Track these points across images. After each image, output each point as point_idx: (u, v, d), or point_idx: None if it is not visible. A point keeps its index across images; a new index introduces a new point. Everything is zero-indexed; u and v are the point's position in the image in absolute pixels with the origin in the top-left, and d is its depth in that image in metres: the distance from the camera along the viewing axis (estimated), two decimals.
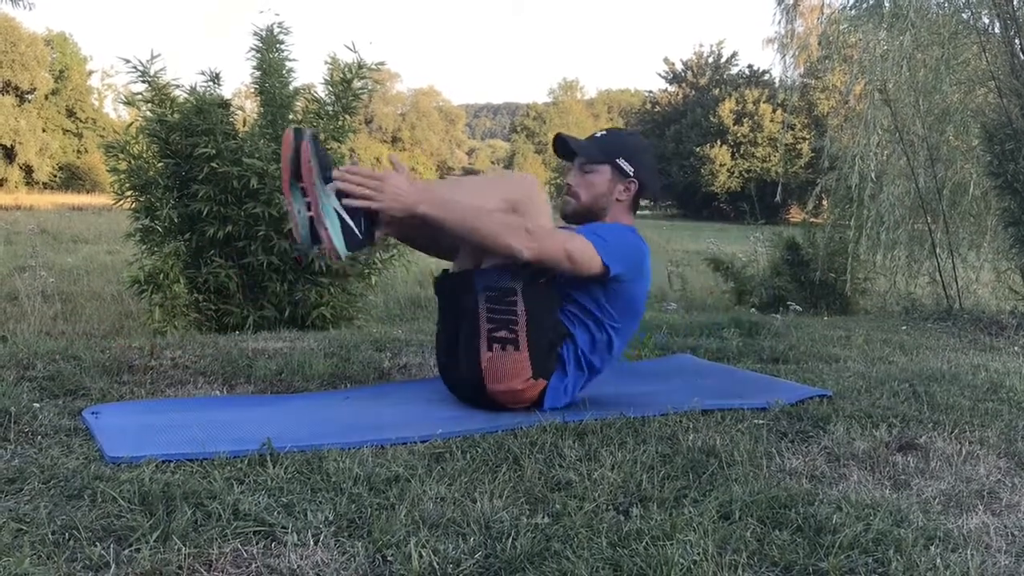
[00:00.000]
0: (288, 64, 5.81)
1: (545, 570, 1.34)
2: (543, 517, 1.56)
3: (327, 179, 2.05)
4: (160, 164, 5.44)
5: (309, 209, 2.06)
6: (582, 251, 2.29)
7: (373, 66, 5.94)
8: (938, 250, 6.62)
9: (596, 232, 2.37)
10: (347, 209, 2.06)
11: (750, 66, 47.98)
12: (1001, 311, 5.71)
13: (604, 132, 2.62)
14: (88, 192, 34.50)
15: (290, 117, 5.76)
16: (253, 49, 5.73)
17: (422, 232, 2.39)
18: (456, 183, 2.24)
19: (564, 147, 2.58)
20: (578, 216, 2.55)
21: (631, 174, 2.52)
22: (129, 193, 5.46)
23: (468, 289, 2.31)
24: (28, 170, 38.77)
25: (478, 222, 2.18)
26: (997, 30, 6.09)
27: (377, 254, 6.02)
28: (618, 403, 2.43)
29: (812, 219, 8.99)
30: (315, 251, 2.11)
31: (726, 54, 50.58)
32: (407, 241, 2.58)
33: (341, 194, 2.06)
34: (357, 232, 2.08)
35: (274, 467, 1.76)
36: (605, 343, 2.44)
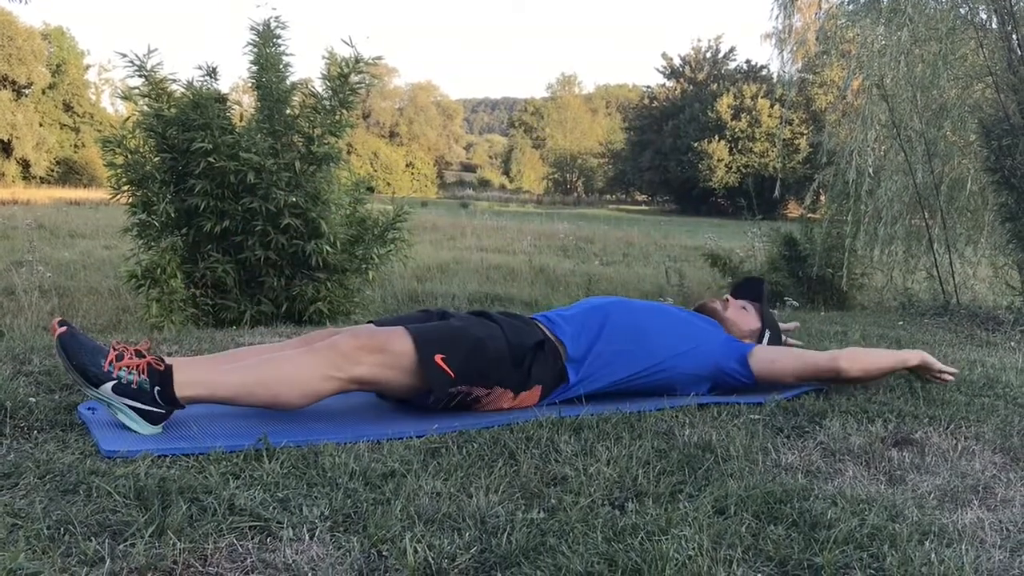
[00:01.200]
0: (285, 59, 5.80)
1: (540, 565, 1.34)
2: (539, 512, 1.57)
3: (94, 380, 1.92)
4: (157, 159, 5.44)
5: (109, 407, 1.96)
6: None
7: (370, 60, 5.93)
8: (935, 245, 6.62)
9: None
10: (131, 394, 1.94)
11: (748, 61, 48.05)
12: (998, 306, 5.72)
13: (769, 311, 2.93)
14: (85, 187, 34.46)
15: (287, 111, 5.75)
16: (250, 44, 5.72)
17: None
18: None
19: (757, 293, 2.94)
20: (709, 312, 2.81)
21: (761, 342, 2.81)
22: (126, 188, 5.45)
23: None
24: (25, 164, 38.74)
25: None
26: (995, 25, 6.09)
27: (375, 249, 6.02)
28: (614, 398, 2.43)
29: (810, 214, 8.99)
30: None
31: (724, 49, 50.67)
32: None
33: (119, 386, 1.93)
34: (156, 409, 1.96)
35: (270, 462, 1.76)
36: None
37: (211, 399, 2.03)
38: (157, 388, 1.96)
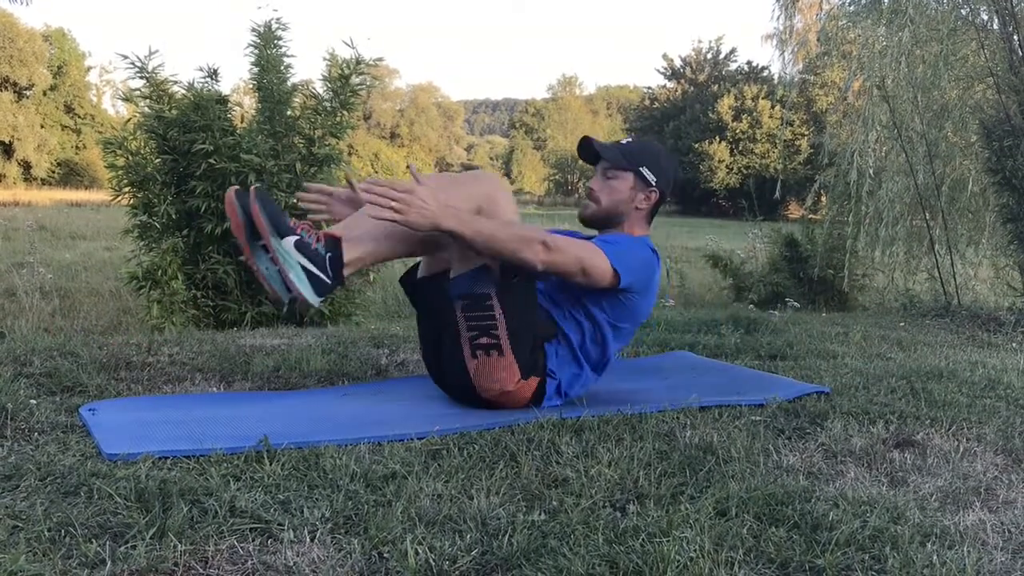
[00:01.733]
0: (286, 60, 5.79)
1: (541, 567, 1.34)
2: (540, 514, 1.56)
3: (282, 232, 2.02)
4: (158, 160, 5.43)
5: (275, 263, 2.03)
6: (595, 263, 2.29)
7: (371, 62, 5.93)
8: (936, 246, 6.61)
9: (610, 243, 2.37)
10: (309, 255, 2.04)
11: (749, 62, 47.97)
12: (999, 307, 5.71)
13: (630, 140, 2.62)
14: (86, 188, 34.47)
15: (288, 113, 5.75)
16: (251, 45, 5.72)
17: (399, 249, 2.32)
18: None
19: (588, 150, 2.56)
20: (596, 220, 2.56)
21: (653, 184, 2.53)
22: (127, 189, 5.45)
23: (443, 298, 2.30)
24: (26, 166, 38.74)
25: (497, 238, 2.16)
26: (996, 26, 6.08)
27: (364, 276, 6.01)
28: (615, 400, 2.43)
29: (811, 215, 8.98)
30: (291, 302, 2.07)
31: (725, 50, 50.56)
32: (376, 262, 2.48)
33: (301, 243, 2.03)
34: (325, 278, 2.06)
35: (271, 464, 1.76)
36: (599, 345, 2.45)
37: (373, 260, 2.23)
38: (330, 255, 2.06)
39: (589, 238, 2.46)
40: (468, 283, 2.25)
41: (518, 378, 2.30)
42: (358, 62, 5.84)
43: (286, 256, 2.01)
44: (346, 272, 2.13)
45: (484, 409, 2.33)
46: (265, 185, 5.33)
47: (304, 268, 2.03)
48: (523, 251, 2.18)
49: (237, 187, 2.06)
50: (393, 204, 2.04)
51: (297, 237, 2.03)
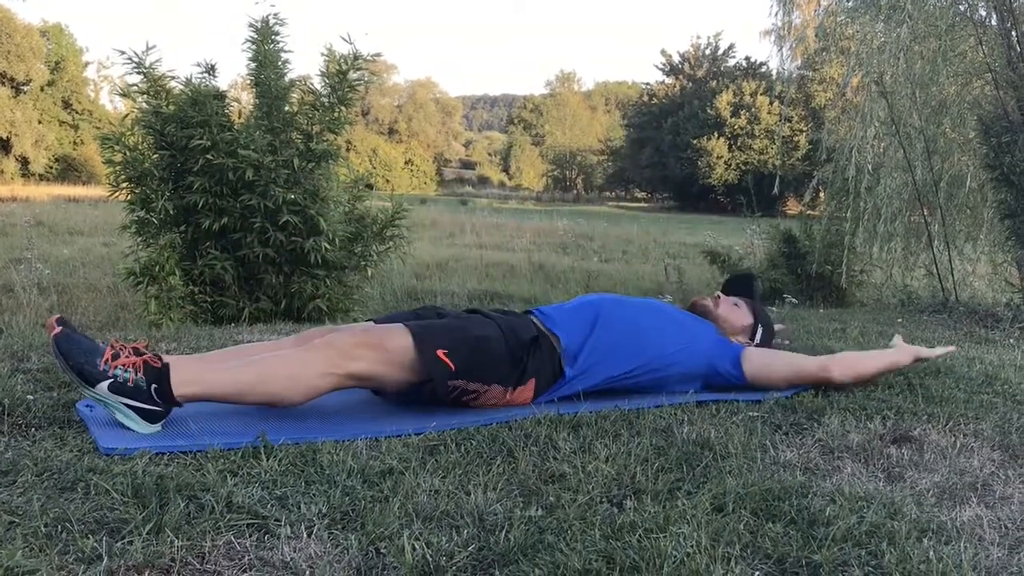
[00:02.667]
0: (283, 55, 5.79)
1: (538, 562, 1.34)
2: (537, 509, 1.56)
3: (91, 380, 1.91)
4: (155, 156, 5.43)
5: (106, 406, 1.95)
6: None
7: (369, 57, 5.92)
8: (934, 242, 6.61)
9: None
10: (128, 392, 1.93)
11: (747, 58, 48.02)
12: (997, 303, 5.72)
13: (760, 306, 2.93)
14: (84, 184, 34.44)
15: (286, 108, 5.74)
16: (248, 40, 5.71)
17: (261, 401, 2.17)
18: None
19: (747, 286, 2.97)
20: (698, 310, 2.79)
21: (754, 342, 2.80)
22: (125, 185, 5.45)
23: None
24: (24, 162, 38.70)
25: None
26: (994, 22, 6.08)
27: (374, 246, 6.02)
28: (613, 395, 2.43)
29: (809, 211, 8.99)
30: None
31: (723, 46, 50.66)
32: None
33: (115, 386, 1.92)
34: (154, 407, 1.95)
35: (268, 460, 1.76)
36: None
37: (209, 397, 2.02)
38: (154, 386, 1.95)
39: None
40: (432, 389, 2.21)
41: (509, 391, 2.30)
42: (356, 58, 5.84)
43: (106, 401, 1.93)
44: (183, 392, 1.97)
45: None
46: (264, 181, 5.32)
47: (128, 406, 1.94)
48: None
49: (55, 330, 1.93)
50: None
51: (110, 380, 1.92)
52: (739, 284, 3.00)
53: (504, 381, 2.27)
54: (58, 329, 1.92)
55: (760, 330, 2.83)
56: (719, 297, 2.86)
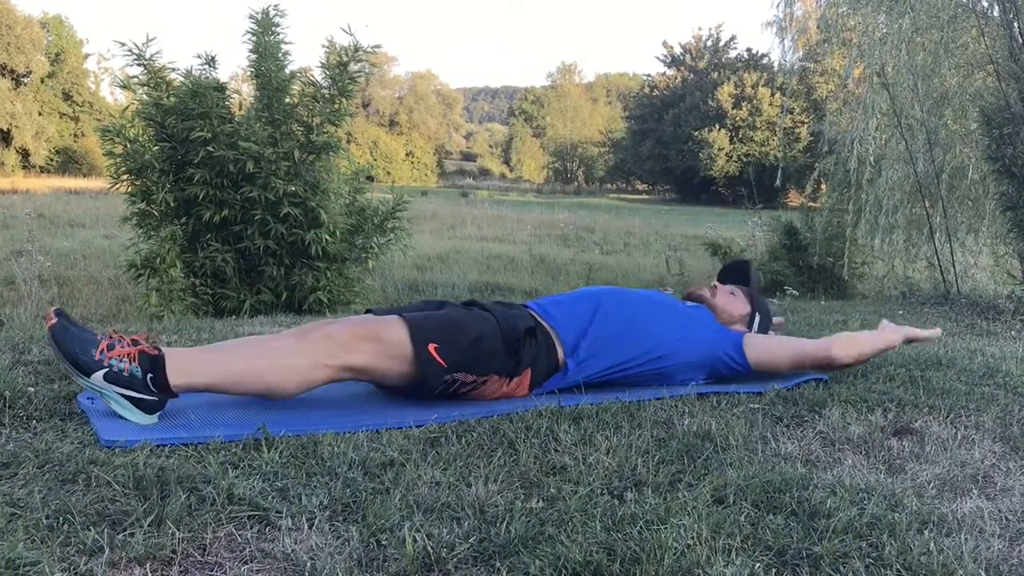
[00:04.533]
0: (284, 47, 5.79)
1: (539, 554, 1.34)
2: (538, 501, 1.57)
3: (86, 369, 1.92)
4: (156, 148, 5.43)
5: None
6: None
7: (369, 49, 5.92)
8: (936, 234, 6.61)
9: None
10: (123, 382, 1.93)
11: (749, 50, 47.89)
12: (999, 295, 5.71)
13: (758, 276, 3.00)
14: (85, 176, 34.43)
15: (286, 100, 5.73)
16: (249, 32, 5.70)
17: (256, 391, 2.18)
18: None
19: (743, 274, 2.93)
20: (695, 299, 2.80)
21: (753, 329, 2.79)
22: (125, 177, 5.45)
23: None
24: (24, 154, 38.67)
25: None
26: (996, 13, 6.06)
27: (374, 238, 6.01)
28: (613, 387, 2.43)
29: (810, 203, 8.99)
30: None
31: (725, 37, 50.62)
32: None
33: (111, 375, 1.92)
34: (149, 397, 1.96)
35: (269, 451, 1.76)
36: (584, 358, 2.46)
37: (204, 387, 2.02)
38: (149, 375, 1.95)
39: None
40: (428, 385, 2.21)
41: (503, 382, 2.30)
42: (356, 49, 5.83)
43: (101, 391, 1.94)
44: (178, 382, 1.98)
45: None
46: (265, 173, 5.31)
47: (123, 395, 1.94)
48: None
49: (52, 321, 1.94)
50: None
51: (105, 369, 1.93)
52: (735, 272, 2.99)
53: (501, 371, 2.28)
54: (55, 320, 1.93)
55: (758, 318, 2.83)
56: (716, 286, 2.86)
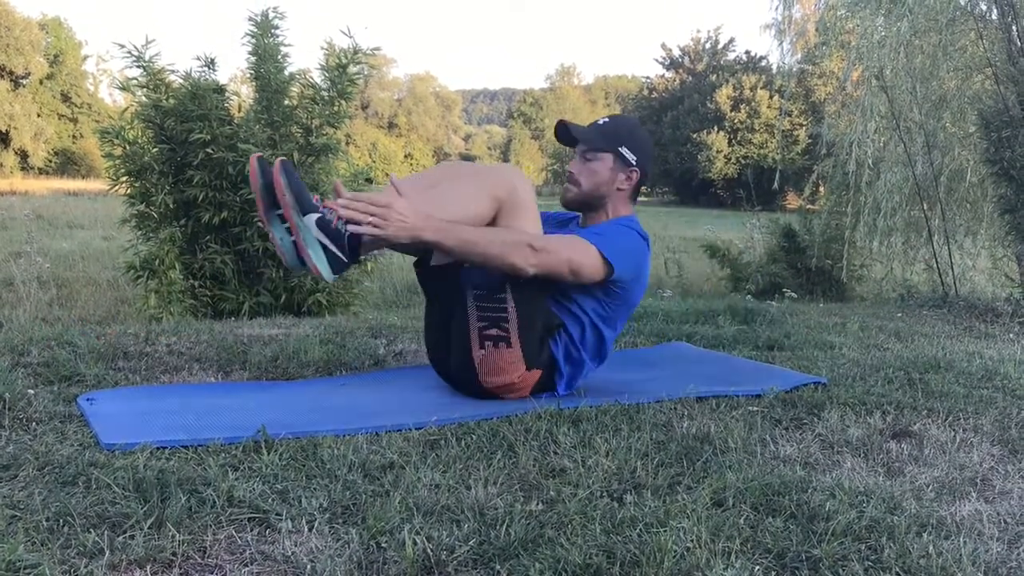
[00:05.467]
0: (283, 49, 5.78)
1: (539, 556, 1.34)
2: (537, 504, 1.57)
3: (303, 207, 2.04)
4: (155, 149, 5.42)
5: (290, 234, 2.06)
6: (586, 262, 2.29)
7: (369, 51, 5.91)
8: (935, 237, 6.61)
9: (598, 234, 2.36)
10: (329, 233, 2.05)
11: (747, 52, 47.91)
12: (997, 298, 5.72)
13: (606, 119, 2.57)
14: (83, 177, 34.41)
15: (285, 102, 5.73)
16: (248, 34, 5.70)
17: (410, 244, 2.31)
18: (441, 188, 2.16)
19: (565, 133, 2.52)
20: (578, 203, 2.54)
21: (633, 163, 2.50)
22: (124, 179, 5.44)
23: (456, 286, 2.30)
24: (23, 155, 38.63)
25: (482, 246, 2.16)
26: (995, 16, 6.07)
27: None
28: (613, 390, 2.43)
29: (809, 206, 9.00)
30: (303, 272, 2.10)
31: (723, 40, 50.56)
32: (391, 248, 2.44)
33: (322, 221, 2.04)
34: (342, 256, 2.07)
35: (269, 454, 1.76)
36: (596, 335, 2.45)
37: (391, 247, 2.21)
38: (349, 235, 2.06)
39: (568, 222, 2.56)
40: (483, 273, 2.25)
41: (522, 370, 2.31)
42: (356, 51, 5.82)
43: (306, 233, 2.03)
44: (363, 253, 2.14)
45: (483, 399, 2.34)
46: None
47: (323, 245, 2.05)
48: (511, 256, 2.18)
49: (260, 154, 2.08)
50: (372, 219, 2.05)
51: (319, 215, 2.05)
52: (563, 135, 2.54)
53: (526, 352, 2.31)
54: (280, 158, 2.04)
55: (627, 152, 2.49)
56: (571, 173, 2.53)
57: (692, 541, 1.40)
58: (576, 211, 2.59)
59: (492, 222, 2.26)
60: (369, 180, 6.66)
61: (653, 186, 51.53)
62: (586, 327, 2.43)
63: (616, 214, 2.52)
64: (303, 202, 2.04)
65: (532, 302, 2.31)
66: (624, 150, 2.49)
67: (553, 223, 2.59)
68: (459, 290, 2.29)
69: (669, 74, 50.93)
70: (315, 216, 2.04)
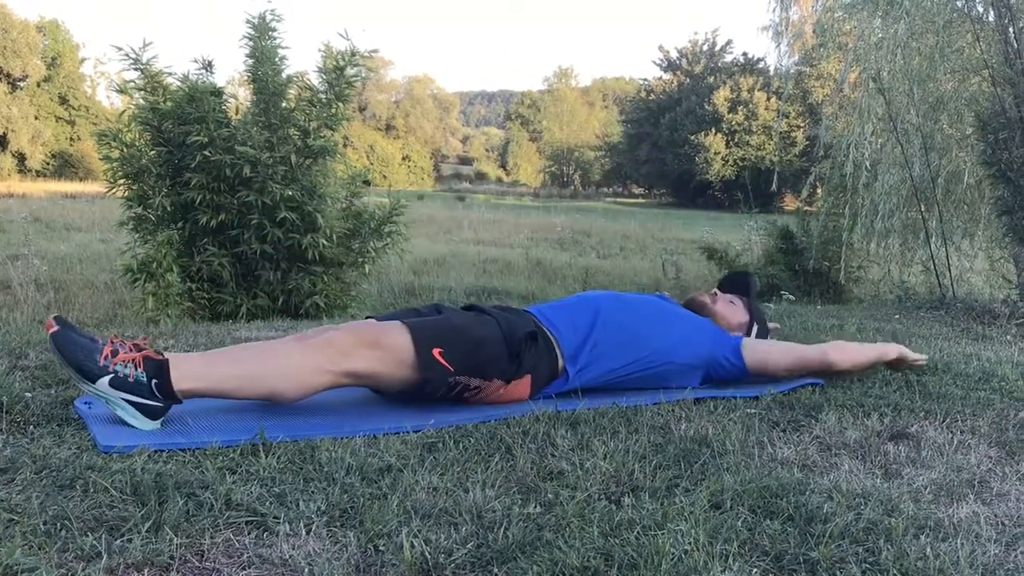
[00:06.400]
0: (281, 52, 5.79)
1: (537, 559, 1.34)
2: (535, 507, 1.57)
3: (91, 375, 1.91)
4: (153, 152, 5.43)
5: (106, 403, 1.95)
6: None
7: (366, 53, 5.93)
8: (932, 238, 6.62)
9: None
10: (129, 387, 1.93)
11: (745, 54, 47.99)
12: (994, 300, 5.72)
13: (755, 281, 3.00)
14: (81, 180, 34.41)
15: (283, 104, 5.73)
16: (246, 37, 5.71)
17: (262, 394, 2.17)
18: None
19: (745, 285, 2.93)
20: (695, 307, 2.81)
21: (751, 334, 2.82)
22: (122, 181, 5.45)
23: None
24: (21, 158, 38.63)
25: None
26: (991, 18, 6.08)
27: (371, 243, 6.01)
28: (611, 392, 2.43)
29: (806, 207, 9.02)
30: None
31: (721, 42, 50.65)
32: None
33: (116, 381, 1.92)
34: (155, 403, 1.95)
35: (266, 457, 1.76)
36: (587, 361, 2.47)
37: (208, 392, 2.02)
38: (154, 381, 1.95)
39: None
40: (431, 388, 2.21)
41: (503, 385, 2.30)
42: (353, 53, 5.84)
43: (107, 398, 1.93)
44: (183, 387, 1.97)
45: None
46: (262, 177, 5.30)
47: (129, 402, 1.94)
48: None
49: (53, 328, 1.93)
50: None
51: (111, 375, 1.92)
52: (736, 282, 3.01)
53: (503, 375, 2.28)
54: (56, 327, 1.92)
55: (755, 328, 2.85)
56: (716, 294, 2.88)
57: (690, 544, 1.40)
58: (687, 308, 2.81)
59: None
60: (367, 182, 6.67)
61: (650, 188, 51.63)
62: (586, 354, 2.46)
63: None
64: (87, 371, 1.91)
65: (480, 357, 2.25)
66: (756, 327, 2.85)
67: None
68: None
69: (667, 76, 51.02)
70: (107, 378, 1.92)
